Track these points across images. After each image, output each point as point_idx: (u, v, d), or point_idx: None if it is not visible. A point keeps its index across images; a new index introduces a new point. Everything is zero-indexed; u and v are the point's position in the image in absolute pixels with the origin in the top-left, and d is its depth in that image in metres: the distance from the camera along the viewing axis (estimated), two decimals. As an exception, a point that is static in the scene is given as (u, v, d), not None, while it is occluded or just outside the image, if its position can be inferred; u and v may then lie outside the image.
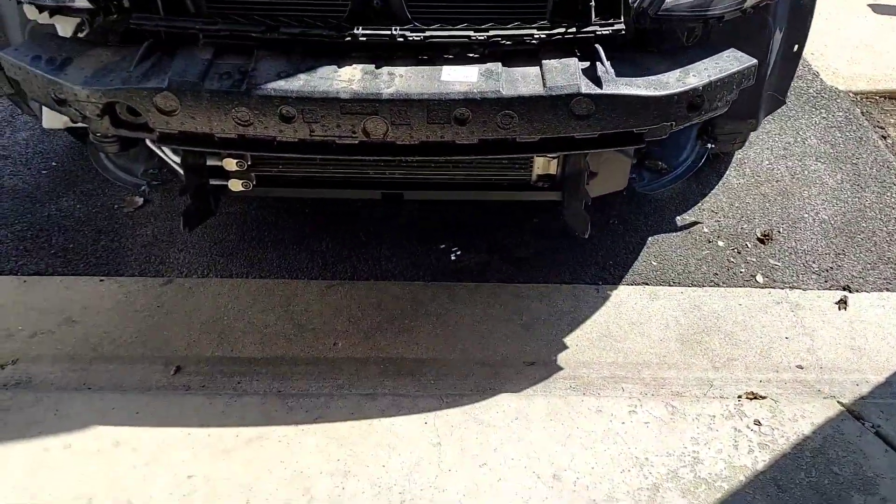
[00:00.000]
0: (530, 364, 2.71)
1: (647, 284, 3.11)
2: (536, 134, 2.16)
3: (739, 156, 3.80)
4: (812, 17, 2.69)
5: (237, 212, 3.45)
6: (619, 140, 2.20)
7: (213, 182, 2.68)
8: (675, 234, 3.44)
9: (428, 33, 2.17)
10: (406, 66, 2.18)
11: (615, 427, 2.43)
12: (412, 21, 2.20)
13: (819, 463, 2.34)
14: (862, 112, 4.20)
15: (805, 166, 3.75)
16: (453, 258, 3.25)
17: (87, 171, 3.67)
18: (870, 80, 4.48)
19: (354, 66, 2.18)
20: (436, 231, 3.38)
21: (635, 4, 2.17)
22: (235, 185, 2.65)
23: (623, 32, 2.17)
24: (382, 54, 2.19)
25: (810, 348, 2.79)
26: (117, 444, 2.34)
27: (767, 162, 3.78)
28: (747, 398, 2.54)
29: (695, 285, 3.07)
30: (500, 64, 2.18)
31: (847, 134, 4.00)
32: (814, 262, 3.21)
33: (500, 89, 2.09)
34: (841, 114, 4.14)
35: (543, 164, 2.73)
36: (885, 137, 4.04)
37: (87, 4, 2.21)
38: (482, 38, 2.16)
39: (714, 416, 2.46)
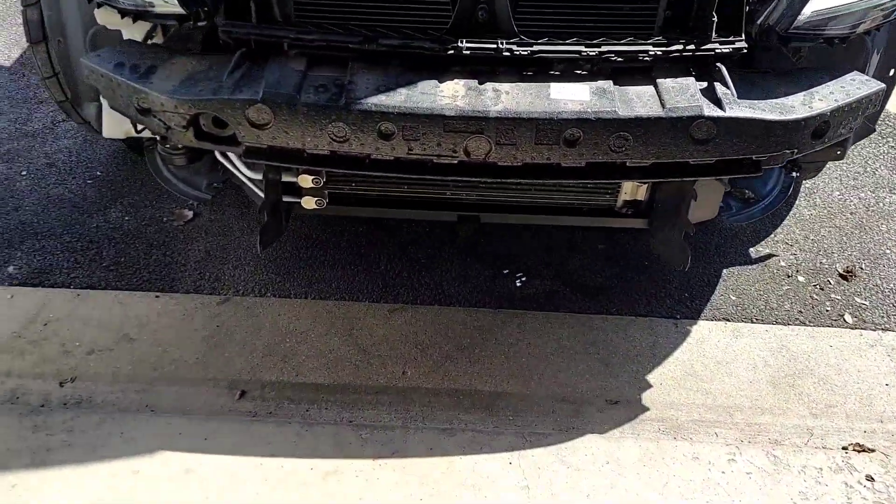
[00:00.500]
0: (613, 403, 2.63)
1: (728, 321, 3.03)
2: (649, 158, 2.09)
3: (808, 185, 3.73)
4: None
5: (290, 230, 3.36)
6: (736, 168, 2.14)
7: (285, 199, 2.60)
8: (750, 266, 3.36)
9: (536, 48, 2.11)
10: (510, 81, 2.12)
11: (715, 476, 2.34)
12: (518, 34, 2.12)
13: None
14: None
15: (879, 198, 3.68)
16: (519, 284, 3.18)
17: (132, 182, 3.62)
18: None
19: (457, 81, 2.11)
20: (497, 255, 3.32)
21: (759, 21, 2.09)
22: (309, 203, 2.59)
23: (745, 51, 2.09)
24: (484, 69, 2.13)
25: (913, 397, 2.69)
26: (188, 472, 2.26)
27: (838, 192, 3.71)
28: (854, 450, 2.45)
29: (779, 323, 2.99)
30: (610, 82, 2.11)
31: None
32: (902, 303, 3.12)
33: (617, 109, 2.02)
34: (915, 146, 4.06)
35: (632, 190, 2.66)
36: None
37: (175, 9, 2.14)
38: (593, 53, 2.10)
39: (821, 469, 2.37)
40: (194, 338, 2.77)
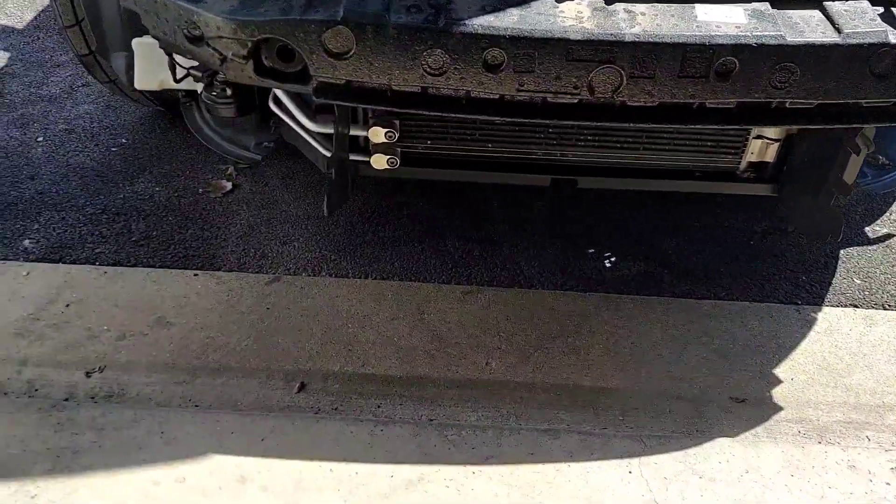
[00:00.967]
0: (740, 401, 2.25)
1: (856, 307, 2.65)
2: (815, 97, 1.72)
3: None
4: None
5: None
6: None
7: (353, 158, 2.23)
8: (870, 247, 2.97)
9: None
10: (644, 1, 1.73)
11: (879, 490, 1.98)
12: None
13: None
14: None
15: None
16: (608, 265, 2.80)
17: (163, 150, 3.27)
18: None
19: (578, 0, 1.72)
20: (578, 234, 2.97)
21: None
22: (380, 162, 2.22)
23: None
24: (611, -14, 1.75)
25: None
26: (243, 481, 1.89)
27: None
28: None
29: (918, 310, 2.58)
30: (767, 4, 1.73)
31: None
32: None
33: (783, 34, 1.63)
34: None
35: (759, 149, 2.30)
36: None
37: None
38: None
39: None
40: (242, 322, 2.40)
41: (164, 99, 2.91)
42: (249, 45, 1.75)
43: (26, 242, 2.72)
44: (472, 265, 2.77)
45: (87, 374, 2.20)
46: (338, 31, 1.69)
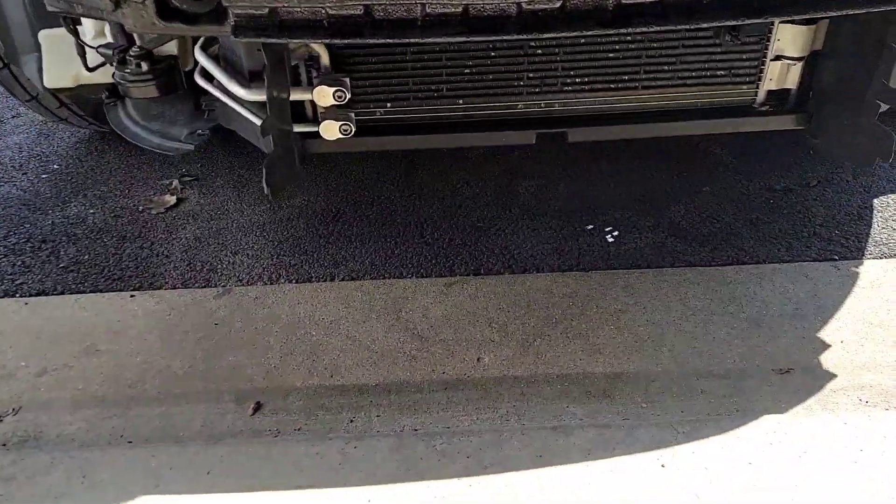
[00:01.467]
0: (784, 372, 1.89)
1: (901, 257, 2.29)
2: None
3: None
4: None
5: (301, 205, 2.77)
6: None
7: (298, 129, 1.90)
8: (904, 194, 2.62)
9: None
10: None
11: (972, 454, 1.58)
12: None
13: None
14: None
15: None
16: (611, 240, 2.47)
17: (98, 173, 2.98)
18: None
19: None
20: (573, 209, 2.69)
21: None
22: (330, 130, 1.89)
23: None
24: None
25: None
26: None
27: None
28: None
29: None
30: None
31: None
32: None
33: None
34: None
35: (779, 75, 1.96)
36: None
37: None
38: None
39: None
40: (185, 341, 2.05)
41: (85, 101, 2.58)
42: (142, -22, 1.41)
43: (-67, 281, 2.37)
44: (455, 255, 2.43)
45: (-2, 418, 1.83)
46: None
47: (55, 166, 3.08)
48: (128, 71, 1.96)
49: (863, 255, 2.38)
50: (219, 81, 1.96)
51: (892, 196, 2.67)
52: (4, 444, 1.79)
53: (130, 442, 1.80)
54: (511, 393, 1.91)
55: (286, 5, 1.44)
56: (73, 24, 1.91)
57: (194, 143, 2.17)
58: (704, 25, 1.51)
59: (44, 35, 2.23)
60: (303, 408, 1.88)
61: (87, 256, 2.50)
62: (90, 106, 2.69)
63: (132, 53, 1.95)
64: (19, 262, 2.48)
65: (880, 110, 1.83)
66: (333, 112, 1.90)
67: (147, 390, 1.94)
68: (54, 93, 2.46)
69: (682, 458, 1.68)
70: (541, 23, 1.47)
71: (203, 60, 1.97)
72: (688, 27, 1.65)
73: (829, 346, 2.01)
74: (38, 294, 2.34)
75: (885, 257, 2.36)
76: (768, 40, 1.96)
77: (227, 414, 1.86)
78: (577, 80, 1.99)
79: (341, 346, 2.07)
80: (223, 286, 2.33)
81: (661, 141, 3.02)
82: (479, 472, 1.67)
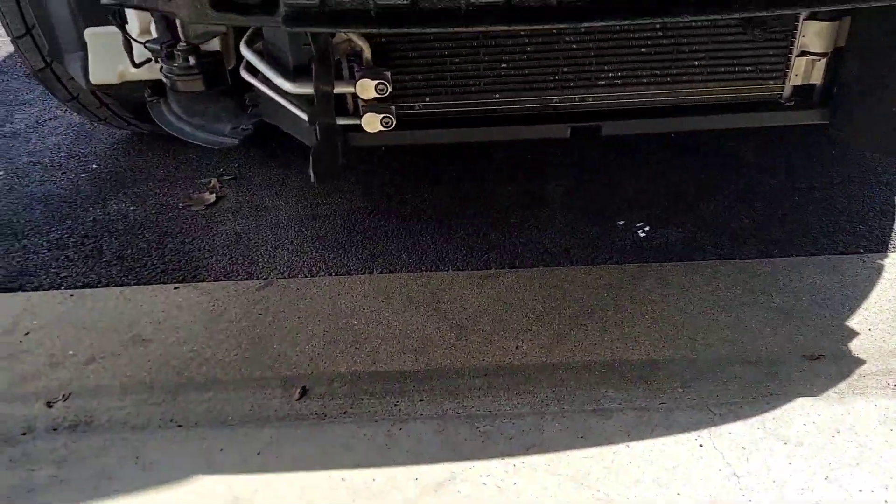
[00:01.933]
0: (815, 358, 1.92)
1: (928, 249, 2.31)
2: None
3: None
4: None
5: (337, 202, 2.83)
6: None
7: (341, 122, 1.95)
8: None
9: None
10: None
11: None
12: None
13: None
14: None
15: None
16: (642, 235, 2.50)
17: (138, 171, 3.02)
18: None
19: None
20: (603, 206, 2.73)
21: None
22: (372, 123, 1.93)
23: None
24: None
25: None
26: (236, 502, 1.55)
27: None
28: None
29: None
30: None
31: None
32: None
33: None
34: None
35: (804, 70, 1.98)
36: None
37: None
38: None
39: None
40: (230, 331, 2.10)
41: (127, 100, 2.64)
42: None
43: (-20, 274, 2.43)
44: (489, 250, 2.47)
45: (49, 405, 1.90)
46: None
47: (94, 166, 3.14)
48: (175, 65, 2.00)
49: (887, 248, 2.41)
50: (263, 76, 2.01)
51: (917, 191, 2.69)
52: (55, 429, 1.83)
53: (180, 426, 1.84)
54: (550, 379, 1.94)
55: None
56: (121, 20, 1.96)
57: (238, 138, 2.21)
58: (737, 16, 1.54)
59: (89, 33, 2.28)
60: (348, 392, 1.91)
61: (129, 251, 2.55)
62: (131, 104, 2.74)
63: (180, 48, 2.00)
64: (63, 257, 2.53)
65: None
66: (375, 105, 1.94)
67: (194, 377, 1.98)
68: (97, 91, 2.50)
69: (720, 437, 1.71)
70: (581, 12, 1.51)
71: (249, 55, 2.02)
72: (725, 16, 1.68)
73: (857, 333, 2.03)
74: (82, 287, 2.38)
75: (912, 250, 2.37)
76: (794, 37, 1.99)
77: (274, 399, 1.90)
78: (610, 74, 2.02)
79: (382, 335, 2.10)
80: (265, 278, 2.37)
81: (687, 139, 3.05)
82: (523, 453, 1.70)
